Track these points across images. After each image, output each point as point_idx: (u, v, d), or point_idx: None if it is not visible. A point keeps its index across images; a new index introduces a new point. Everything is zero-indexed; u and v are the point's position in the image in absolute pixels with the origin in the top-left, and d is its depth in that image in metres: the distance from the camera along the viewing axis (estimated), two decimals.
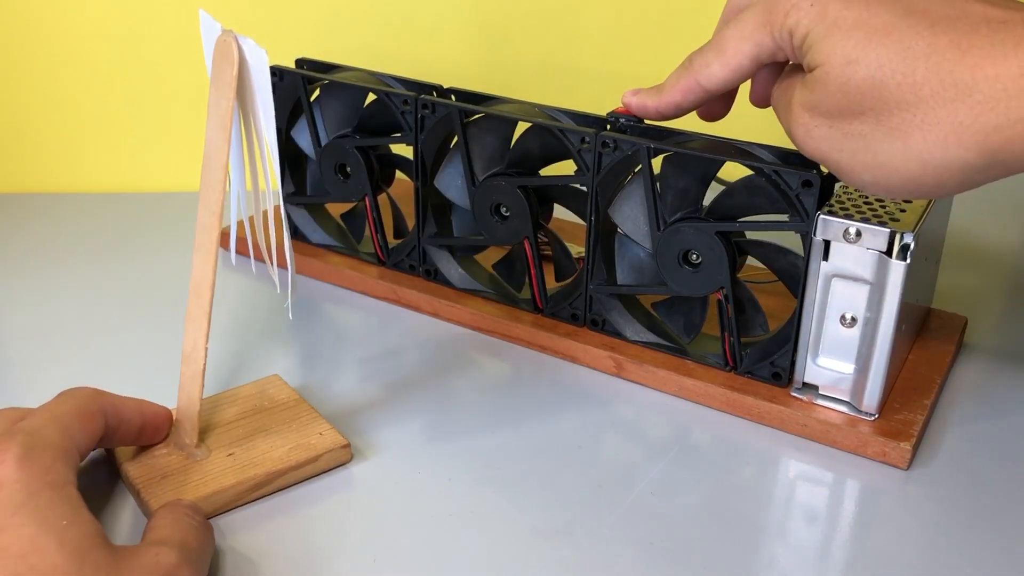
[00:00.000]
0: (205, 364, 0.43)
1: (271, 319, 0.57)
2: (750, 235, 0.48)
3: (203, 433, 0.44)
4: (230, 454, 0.43)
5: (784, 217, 0.46)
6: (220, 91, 0.41)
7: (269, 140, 0.42)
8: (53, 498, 0.33)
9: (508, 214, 0.54)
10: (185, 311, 0.43)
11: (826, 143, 0.38)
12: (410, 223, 0.59)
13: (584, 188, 0.51)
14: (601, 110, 0.52)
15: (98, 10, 0.72)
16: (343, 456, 0.44)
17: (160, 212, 0.72)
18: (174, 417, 0.44)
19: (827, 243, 0.44)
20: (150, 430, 0.43)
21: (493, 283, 0.58)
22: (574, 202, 0.53)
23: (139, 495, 0.41)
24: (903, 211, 0.44)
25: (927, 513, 0.42)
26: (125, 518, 0.41)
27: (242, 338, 0.55)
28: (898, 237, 0.42)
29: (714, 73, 0.42)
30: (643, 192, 0.49)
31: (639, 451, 0.46)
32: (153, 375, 0.51)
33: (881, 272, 0.43)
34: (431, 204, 0.57)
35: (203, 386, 0.43)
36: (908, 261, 0.42)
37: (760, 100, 0.45)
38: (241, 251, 0.62)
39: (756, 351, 0.49)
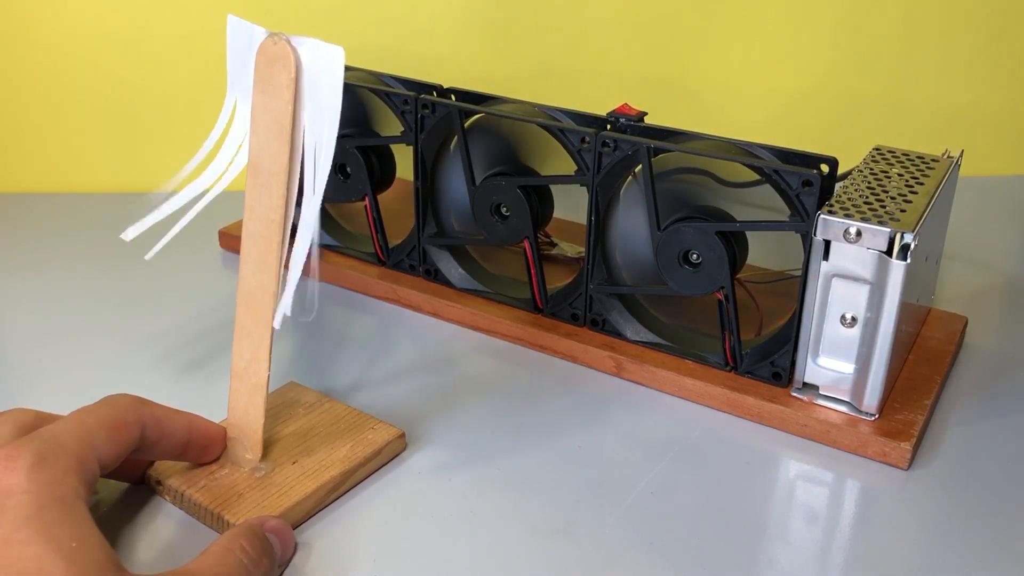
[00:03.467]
0: (268, 377, 0.41)
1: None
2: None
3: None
4: (294, 462, 0.42)
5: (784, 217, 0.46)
6: (270, 95, 0.39)
7: (327, 147, 0.39)
8: (63, 515, 0.32)
9: (508, 214, 0.54)
10: (235, 323, 0.42)
11: None
12: (409, 223, 0.59)
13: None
14: (601, 110, 0.52)
15: (99, 10, 0.72)
16: (400, 446, 0.45)
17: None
18: (228, 435, 0.42)
19: (827, 243, 0.44)
20: (197, 448, 0.41)
21: (493, 283, 0.58)
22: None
23: (220, 518, 0.39)
24: (903, 211, 0.44)
25: (927, 513, 0.42)
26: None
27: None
28: (898, 237, 0.42)
29: None
30: (643, 192, 0.49)
31: (639, 451, 0.46)
32: (153, 375, 0.51)
33: (881, 272, 0.43)
34: (431, 204, 0.57)
35: (265, 399, 0.42)
36: (908, 261, 0.42)
37: None
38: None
39: (756, 351, 0.49)
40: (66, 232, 0.69)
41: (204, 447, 0.41)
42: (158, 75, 0.75)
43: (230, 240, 0.66)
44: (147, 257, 0.47)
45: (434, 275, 0.59)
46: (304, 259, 0.40)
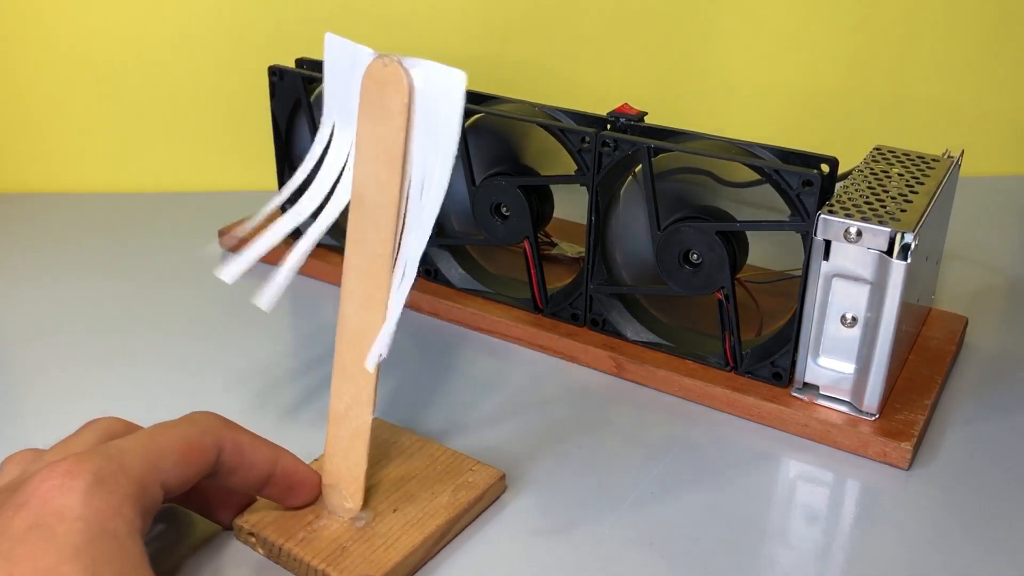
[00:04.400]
0: (371, 422, 0.39)
1: (266, 323, 0.58)
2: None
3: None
4: (395, 510, 0.39)
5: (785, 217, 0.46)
6: (379, 122, 0.36)
7: (440, 178, 0.36)
8: (113, 552, 0.30)
9: (508, 214, 0.54)
10: (335, 363, 0.39)
11: None
12: None
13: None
14: (601, 110, 0.52)
15: (99, 10, 0.72)
16: (501, 488, 0.42)
17: (160, 212, 0.72)
18: (323, 482, 0.39)
19: (828, 243, 0.44)
20: (280, 486, 0.38)
21: (493, 283, 0.58)
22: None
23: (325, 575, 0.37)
24: (904, 211, 0.44)
25: (928, 513, 0.42)
26: None
27: (240, 349, 0.55)
28: (899, 237, 0.42)
29: None
30: (643, 192, 0.49)
31: (639, 451, 0.46)
32: (153, 376, 0.51)
33: (882, 272, 0.43)
34: None
35: (368, 444, 0.39)
36: (909, 261, 0.42)
37: None
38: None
39: (756, 351, 0.49)
40: (66, 232, 0.69)
41: (289, 487, 0.38)
42: (158, 75, 0.75)
43: (230, 240, 0.65)
44: (266, 307, 0.41)
45: (434, 275, 0.59)
46: (406, 298, 0.37)
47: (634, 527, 0.41)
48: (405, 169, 0.37)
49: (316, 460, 0.42)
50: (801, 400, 0.48)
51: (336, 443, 0.39)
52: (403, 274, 0.37)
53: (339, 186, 0.39)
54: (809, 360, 0.47)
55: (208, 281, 0.62)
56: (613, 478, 0.44)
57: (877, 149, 0.53)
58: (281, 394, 0.50)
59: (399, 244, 0.37)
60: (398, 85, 0.35)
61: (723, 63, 0.78)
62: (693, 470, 0.45)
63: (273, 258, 0.41)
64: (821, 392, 0.47)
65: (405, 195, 0.37)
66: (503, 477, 0.42)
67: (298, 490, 0.38)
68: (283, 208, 0.57)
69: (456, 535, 0.40)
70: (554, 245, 0.61)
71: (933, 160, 0.51)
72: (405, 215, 0.37)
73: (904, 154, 0.52)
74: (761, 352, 0.49)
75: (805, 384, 0.47)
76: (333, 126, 0.40)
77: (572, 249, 0.60)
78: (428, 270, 0.59)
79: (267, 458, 0.37)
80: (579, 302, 0.54)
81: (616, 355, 0.52)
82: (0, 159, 0.76)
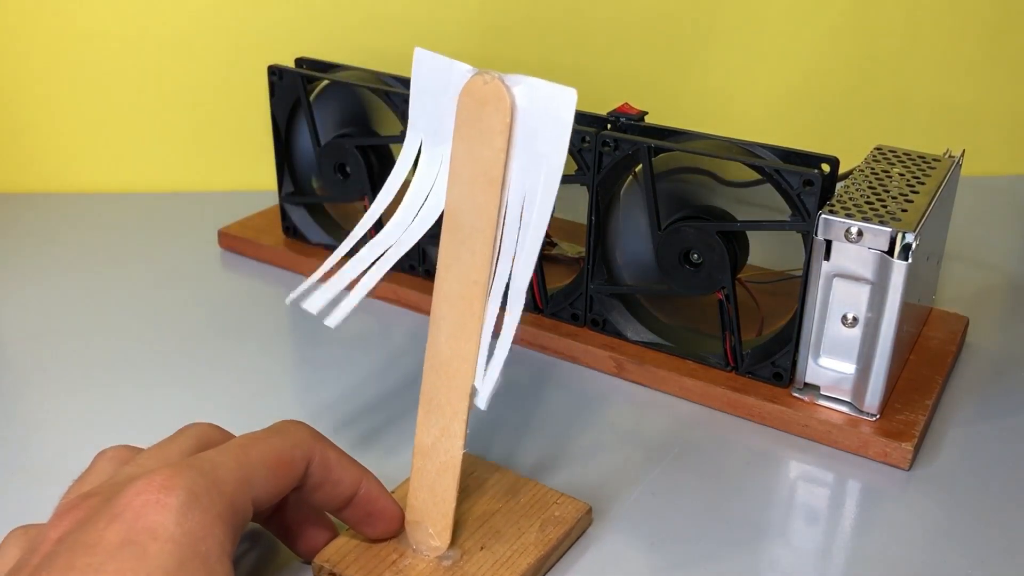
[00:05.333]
0: (461, 456, 0.37)
1: (266, 323, 0.57)
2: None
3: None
4: (483, 548, 0.37)
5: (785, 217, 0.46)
6: (477, 142, 0.35)
7: (544, 202, 0.35)
8: (202, 574, 0.29)
9: None
10: (421, 393, 0.37)
11: None
12: None
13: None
14: (601, 109, 0.52)
15: (98, 10, 0.72)
16: (588, 522, 0.40)
17: (160, 212, 0.72)
18: (408, 518, 0.38)
19: (828, 243, 0.44)
20: (361, 511, 0.36)
21: None
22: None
23: None
24: (904, 211, 0.44)
25: (928, 513, 0.42)
26: None
27: (248, 359, 0.55)
28: (899, 237, 0.42)
29: None
30: (643, 192, 0.49)
31: (639, 451, 0.46)
32: (153, 376, 0.51)
33: (882, 272, 0.43)
34: None
35: (458, 480, 0.37)
36: (909, 261, 0.42)
37: None
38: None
39: (757, 351, 0.49)
40: (66, 232, 0.69)
41: (369, 513, 0.37)
42: (158, 75, 0.75)
43: (230, 240, 0.65)
44: (332, 325, 0.39)
45: (434, 275, 0.59)
46: (516, 328, 0.36)
47: (634, 527, 0.41)
48: (504, 192, 0.35)
49: (396, 489, 0.40)
50: (802, 400, 0.47)
51: (422, 477, 0.37)
52: (513, 303, 0.36)
53: (424, 207, 0.38)
54: (810, 360, 0.47)
55: (209, 282, 0.62)
56: (613, 478, 0.44)
57: (878, 149, 0.52)
58: (281, 397, 0.50)
59: (496, 270, 0.36)
60: (499, 104, 0.34)
61: (723, 63, 0.78)
62: (693, 470, 0.45)
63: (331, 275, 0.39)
64: (822, 392, 0.47)
65: (502, 219, 0.35)
66: (590, 510, 0.40)
67: (378, 518, 0.37)
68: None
69: (546, 573, 0.38)
70: (554, 245, 0.61)
71: (934, 160, 0.51)
72: (502, 240, 0.35)
73: (905, 154, 0.52)
74: (762, 352, 0.49)
75: (806, 384, 0.47)
76: (420, 145, 0.38)
77: (572, 249, 0.60)
78: (428, 270, 0.59)
79: (353, 477, 0.36)
80: (579, 302, 0.54)
81: (616, 355, 0.52)
82: (0, 159, 0.76)
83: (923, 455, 0.46)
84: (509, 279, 0.36)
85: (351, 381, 0.51)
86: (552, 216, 0.55)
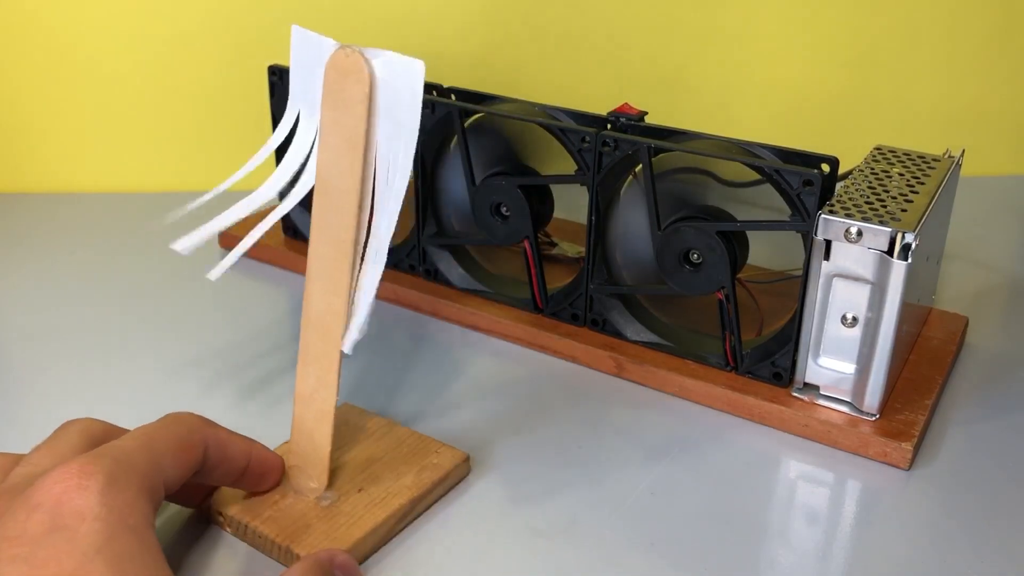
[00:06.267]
0: (335, 404, 0.40)
1: (266, 322, 0.57)
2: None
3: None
4: (360, 490, 0.40)
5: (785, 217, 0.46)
6: (341, 111, 0.37)
7: (403, 165, 0.37)
8: (134, 546, 0.30)
9: (508, 214, 0.54)
10: (300, 347, 0.40)
11: None
12: (409, 223, 0.59)
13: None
14: (601, 110, 0.52)
15: (98, 9, 0.72)
16: (465, 470, 0.43)
17: (160, 212, 0.72)
18: (289, 462, 0.41)
19: (828, 243, 0.44)
20: (254, 475, 0.39)
21: (493, 283, 0.58)
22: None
23: (287, 551, 0.38)
24: (904, 211, 0.44)
25: (928, 513, 0.42)
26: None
27: (248, 350, 0.55)
28: (899, 237, 0.42)
29: None
30: (643, 192, 0.49)
31: (639, 451, 0.46)
32: (153, 376, 0.51)
33: (882, 272, 0.43)
34: (431, 204, 0.57)
35: (332, 426, 0.40)
36: (909, 261, 0.42)
37: None
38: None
39: (757, 351, 0.49)
40: (66, 232, 0.69)
41: (261, 475, 0.39)
42: (157, 75, 0.75)
43: (230, 240, 0.65)
44: (212, 277, 0.43)
45: (434, 275, 0.59)
46: (378, 281, 0.39)
47: (634, 527, 0.41)
48: (367, 156, 0.37)
49: (284, 444, 0.42)
50: (801, 400, 0.47)
51: (302, 425, 0.40)
52: (375, 258, 0.38)
53: (304, 173, 0.41)
54: (809, 360, 0.47)
55: (209, 281, 0.62)
56: (613, 478, 0.44)
57: (877, 149, 0.52)
58: (281, 396, 0.50)
59: (368, 229, 0.38)
60: (359, 75, 0.36)
61: (723, 63, 0.78)
62: (693, 470, 0.45)
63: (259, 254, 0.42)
64: (821, 392, 0.47)
65: (369, 181, 0.38)
66: (468, 459, 0.43)
67: (268, 477, 0.40)
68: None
69: (420, 514, 0.41)
70: (554, 245, 0.61)
71: (934, 160, 0.51)
72: (373, 201, 0.38)
73: (904, 154, 0.52)
74: (761, 352, 0.49)
75: (805, 384, 0.47)
76: (298, 114, 0.41)
77: (572, 249, 0.60)
78: (428, 270, 0.59)
79: (242, 451, 0.38)
80: (579, 302, 0.54)
81: (616, 355, 0.52)
82: (0, 159, 0.76)
83: (923, 455, 0.46)
84: (369, 237, 0.38)
85: (351, 380, 0.51)
86: (552, 216, 0.55)
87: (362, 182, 0.38)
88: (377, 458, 0.43)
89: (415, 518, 0.41)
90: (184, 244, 0.42)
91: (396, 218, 0.38)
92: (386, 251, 0.38)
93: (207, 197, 0.44)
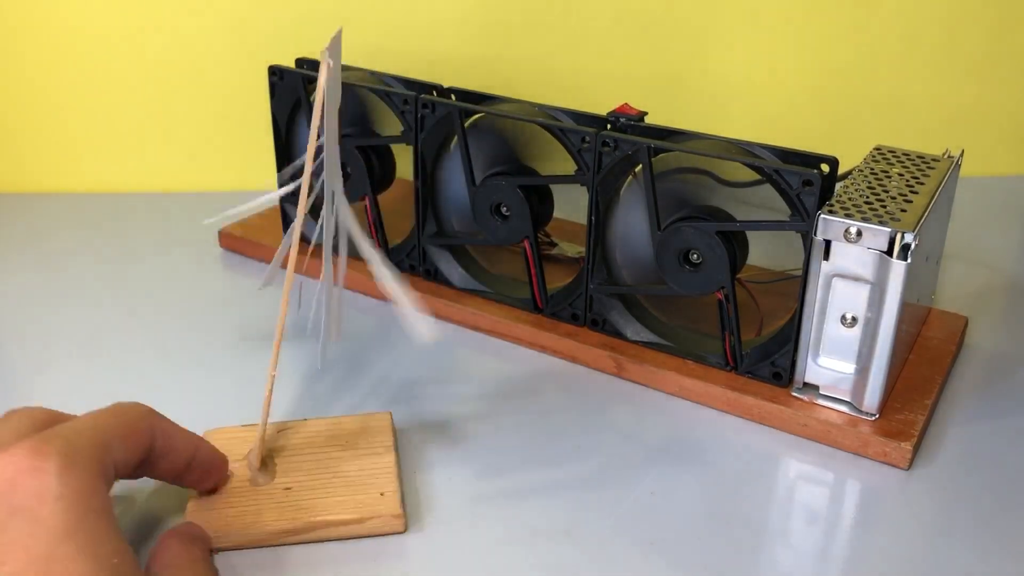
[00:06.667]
0: (271, 388, 0.42)
1: (266, 322, 0.57)
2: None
3: (276, 458, 0.43)
4: (287, 488, 0.41)
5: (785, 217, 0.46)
6: (333, 106, 0.40)
7: (319, 140, 0.40)
8: (100, 528, 0.30)
9: (508, 214, 0.54)
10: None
11: None
12: (409, 223, 0.59)
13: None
14: (601, 110, 0.52)
15: (98, 10, 0.72)
16: (393, 525, 0.40)
17: (160, 212, 0.72)
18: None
19: (828, 243, 0.44)
20: (198, 471, 0.39)
21: (493, 283, 0.58)
22: None
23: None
24: (904, 211, 0.44)
25: (928, 513, 0.42)
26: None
27: (244, 344, 0.55)
28: (899, 237, 0.42)
29: None
30: (643, 192, 0.49)
31: (639, 451, 0.46)
32: (153, 376, 0.51)
33: (882, 272, 0.43)
34: (431, 204, 0.57)
35: (268, 410, 0.42)
36: (909, 261, 0.42)
37: None
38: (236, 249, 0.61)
39: (757, 351, 0.49)
40: (66, 232, 0.69)
41: (206, 471, 0.40)
42: (158, 75, 0.75)
43: (230, 240, 0.66)
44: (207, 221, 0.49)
45: (434, 275, 0.59)
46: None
47: (634, 527, 0.41)
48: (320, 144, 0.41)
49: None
50: (801, 400, 0.48)
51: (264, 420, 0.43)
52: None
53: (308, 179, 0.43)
54: (809, 360, 0.47)
55: (209, 281, 0.62)
56: (613, 478, 0.44)
57: (877, 149, 0.53)
58: (281, 396, 0.50)
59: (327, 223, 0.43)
60: (324, 67, 0.40)
61: (723, 63, 0.78)
62: (693, 470, 0.45)
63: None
64: (821, 392, 0.47)
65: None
66: (399, 516, 0.40)
67: (212, 474, 0.40)
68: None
69: (328, 540, 0.40)
70: (554, 245, 0.61)
71: (933, 160, 0.51)
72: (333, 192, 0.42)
73: (904, 154, 0.52)
74: (761, 352, 0.49)
75: (805, 384, 0.47)
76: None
77: (572, 249, 0.60)
78: (428, 270, 0.59)
79: (188, 444, 0.38)
80: (579, 302, 0.54)
81: (616, 355, 0.52)
82: (0, 159, 0.76)
83: (922, 455, 0.46)
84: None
85: (351, 380, 0.51)
86: (552, 216, 0.55)
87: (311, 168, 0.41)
88: (334, 470, 0.42)
89: (320, 541, 0.40)
90: (213, 221, 0.48)
91: (306, 197, 0.41)
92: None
93: (262, 199, 0.48)
